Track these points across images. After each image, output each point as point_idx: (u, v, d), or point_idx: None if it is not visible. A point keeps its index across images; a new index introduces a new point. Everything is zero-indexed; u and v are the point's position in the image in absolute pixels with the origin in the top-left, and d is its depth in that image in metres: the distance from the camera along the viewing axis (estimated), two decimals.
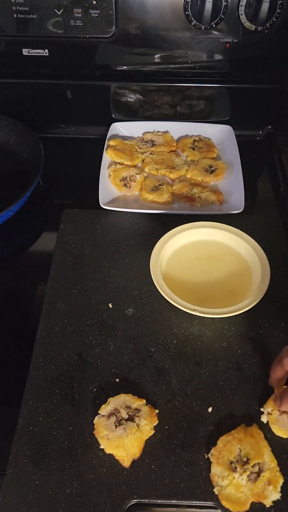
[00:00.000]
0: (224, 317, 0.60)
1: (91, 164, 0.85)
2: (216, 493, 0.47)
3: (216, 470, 0.48)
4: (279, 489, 0.47)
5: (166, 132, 0.88)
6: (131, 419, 0.51)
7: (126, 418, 0.51)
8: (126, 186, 0.78)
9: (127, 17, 0.76)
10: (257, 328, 0.61)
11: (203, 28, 0.76)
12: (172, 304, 0.60)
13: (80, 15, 0.76)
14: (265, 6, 0.73)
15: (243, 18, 0.75)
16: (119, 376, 0.56)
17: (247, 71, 0.84)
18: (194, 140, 0.86)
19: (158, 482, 0.48)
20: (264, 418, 0.53)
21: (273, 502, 0.47)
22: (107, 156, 0.82)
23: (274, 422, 0.52)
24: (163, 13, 0.76)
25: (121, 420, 0.51)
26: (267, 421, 0.52)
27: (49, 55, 0.81)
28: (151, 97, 0.89)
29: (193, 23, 0.76)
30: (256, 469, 0.48)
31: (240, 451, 0.49)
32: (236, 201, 0.75)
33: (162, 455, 0.50)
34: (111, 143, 0.84)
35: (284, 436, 0.51)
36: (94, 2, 0.74)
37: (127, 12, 0.76)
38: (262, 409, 0.53)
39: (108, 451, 0.50)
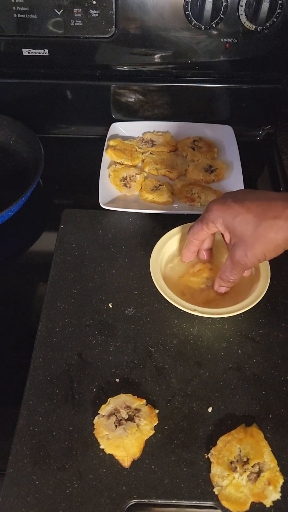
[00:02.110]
0: (224, 317, 0.60)
1: (91, 164, 0.85)
2: (216, 493, 0.47)
3: (216, 470, 0.48)
4: (279, 489, 0.47)
5: (166, 132, 0.88)
6: (131, 419, 0.51)
7: (126, 418, 0.51)
8: (126, 186, 0.78)
9: (127, 17, 0.76)
10: (257, 328, 0.61)
11: (203, 28, 0.76)
12: (172, 304, 0.60)
13: (80, 15, 0.76)
14: (265, 6, 0.73)
15: (243, 18, 0.75)
16: (119, 376, 0.56)
17: (247, 71, 0.84)
18: (194, 140, 0.86)
19: (158, 482, 0.48)
20: None
21: (273, 502, 0.47)
22: (107, 156, 0.82)
23: None
24: (163, 13, 0.76)
25: (121, 420, 0.51)
26: None
27: (49, 55, 0.81)
28: (151, 97, 0.89)
29: (193, 23, 0.76)
30: (256, 469, 0.48)
31: (240, 451, 0.49)
32: None
33: (162, 455, 0.50)
34: (111, 143, 0.84)
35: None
36: (94, 2, 0.74)
37: (127, 12, 0.76)
38: None
39: (108, 451, 0.50)
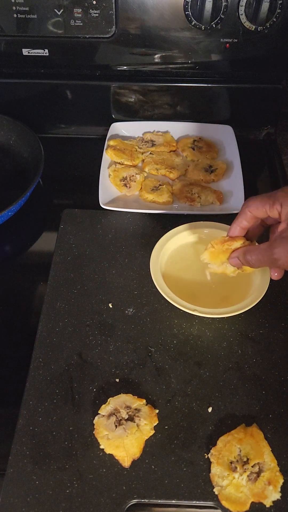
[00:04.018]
0: (224, 317, 0.60)
1: (91, 164, 0.85)
2: (216, 493, 0.47)
3: (216, 470, 0.48)
4: (279, 489, 0.47)
5: (166, 132, 0.88)
6: (131, 419, 0.51)
7: (126, 418, 0.51)
8: (126, 186, 0.78)
9: (127, 17, 0.76)
10: (257, 328, 0.61)
11: (203, 28, 0.76)
12: (172, 304, 0.60)
13: (80, 15, 0.76)
14: (265, 6, 0.73)
15: (243, 18, 0.75)
16: (119, 376, 0.56)
17: (247, 71, 0.84)
18: (194, 140, 0.86)
19: (158, 482, 0.48)
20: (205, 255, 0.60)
21: (273, 502, 0.47)
22: (107, 156, 0.82)
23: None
24: (163, 13, 0.76)
25: (121, 420, 0.51)
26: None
27: (49, 55, 0.81)
28: (151, 97, 0.89)
29: (193, 23, 0.76)
30: (256, 469, 0.48)
31: (240, 451, 0.49)
32: (236, 201, 0.75)
33: (162, 455, 0.50)
34: (111, 143, 0.84)
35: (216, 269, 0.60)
36: (94, 2, 0.74)
37: (127, 12, 0.76)
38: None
39: (108, 451, 0.50)
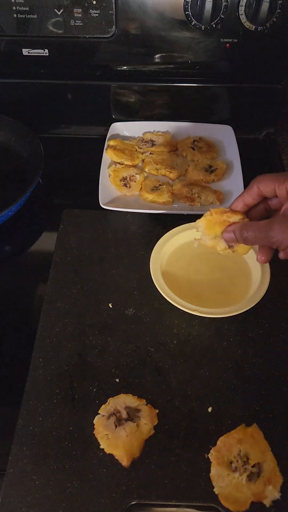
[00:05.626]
0: (224, 317, 0.60)
1: (91, 164, 0.85)
2: (216, 493, 0.47)
3: (216, 470, 0.48)
4: (279, 489, 0.47)
5: (166, 132, 0.88)
6: (131, 419, 0.51)
7: (126, 418, 0.51)
8: (126, 186, 0.78)
9: (127, 17, 0.76)
10: (257, 328, 0.61)
11: (203, 28, 0.76)
12: (172, 304, 0.60)
13: (80, 15, 0.76)
14: (265, 6, 0.73)
15: (243, 18, 0.75)
16: (119, 376, 0.56)
17: (247, 71, 0.84)
18: (194, 140, 0.86)
19: (158, 482, 0.48)
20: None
21: (273, 502, 0.47)
22: (107, 156, 0.82)
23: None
24: (163, 13, 0.76)
25: (121, 420, 0.51)
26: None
27: (49, 55, 0.81)
28: (151, 97, 0.89)
29: (193, 23, 0.76)
30: (256, 469, 0.48)
31: (240, 451, 0.49)
32: None
33: (162, 455, 0.50)
34: (111, 143, 0.84)
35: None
36: (94, 2, 0.74)
37: (127, 12, 0.76)
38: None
39: (108, 451, 0.50)
